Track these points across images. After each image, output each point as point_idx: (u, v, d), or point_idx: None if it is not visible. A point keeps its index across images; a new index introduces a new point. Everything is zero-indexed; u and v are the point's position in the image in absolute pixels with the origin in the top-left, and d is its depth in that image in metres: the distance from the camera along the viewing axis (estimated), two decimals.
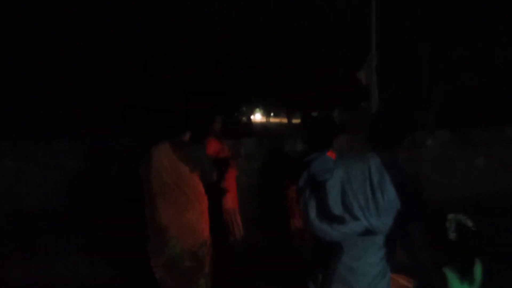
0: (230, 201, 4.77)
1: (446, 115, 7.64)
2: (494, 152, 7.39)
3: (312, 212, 1.90)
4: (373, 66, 3.88)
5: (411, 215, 1.99)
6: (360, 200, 1.84)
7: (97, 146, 6.28)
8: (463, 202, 6.96)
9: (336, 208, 1.86)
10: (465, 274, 1.98)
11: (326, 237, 1.92)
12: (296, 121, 24.27)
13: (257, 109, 32.77)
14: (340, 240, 1.94)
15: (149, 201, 3.34)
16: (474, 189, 7.19)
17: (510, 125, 7.38)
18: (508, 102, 7.82)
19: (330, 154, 2.03)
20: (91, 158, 6.21)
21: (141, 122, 10.17)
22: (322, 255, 2.06)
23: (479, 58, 7.92)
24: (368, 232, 1.87)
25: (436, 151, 7.11)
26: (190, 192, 3.33)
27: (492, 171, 7.36)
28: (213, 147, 4.66)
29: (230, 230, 4.76)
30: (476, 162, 7.33)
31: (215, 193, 4.13)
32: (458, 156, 7.24)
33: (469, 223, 1.97)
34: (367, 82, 3.94)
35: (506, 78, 7.52)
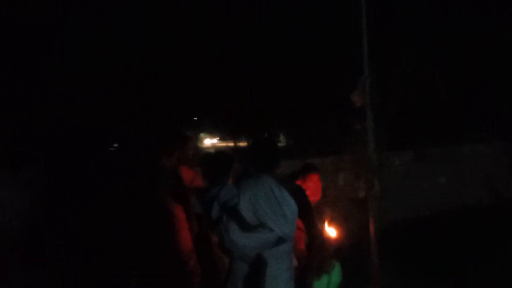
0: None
1: (405, 134, 7.90)
2: (452, 168, 7.71)
3: (234, 233, 2.16)
4: (367, 88, 3.78)
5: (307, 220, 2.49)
6: (270, 214, 2.16)
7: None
8: (426, 219, 7.18)
9: (253, 223, 2.18)
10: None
11: (249, 251, 2.20)
12: (242, 144, 24.14)
13: (202, 134, 32.26)
14: (258, 252, 2.21)
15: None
16: (435, 206, 7.45)
17: (466, 142, 7.78)
18: (463, 119, 8.29)
19: (231, 182, 2.38)
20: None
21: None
22: (240, 268, 2.29)
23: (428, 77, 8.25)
24: (281, 240, 2.19)
25: (401, 169, 7.27)
26: None
27: (452, 187, 7.66)
28: (186, 175, 4.32)
29: None
30: (436, 179, 7.58)
31: None
32: (419, 174, 7.45)
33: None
34: (362, 104, 3.84)
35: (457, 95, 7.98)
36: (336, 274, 3.19)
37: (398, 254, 5.13)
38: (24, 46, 11.34)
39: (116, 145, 17.77)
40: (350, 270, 4.81)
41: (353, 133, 4.93)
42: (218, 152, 3.15)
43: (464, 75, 8.31)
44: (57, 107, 11.73)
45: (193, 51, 13.08)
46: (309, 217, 2.51)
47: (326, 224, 4.39)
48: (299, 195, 2.40)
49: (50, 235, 5.17)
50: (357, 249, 5.23)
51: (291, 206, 2.23)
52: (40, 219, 5.24)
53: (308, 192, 4.79)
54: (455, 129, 8.47)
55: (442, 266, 5.20)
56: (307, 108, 11.77)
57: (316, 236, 2.59)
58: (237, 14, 12.37)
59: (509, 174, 8.29)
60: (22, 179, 5.26)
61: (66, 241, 5.10)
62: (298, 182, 4.78)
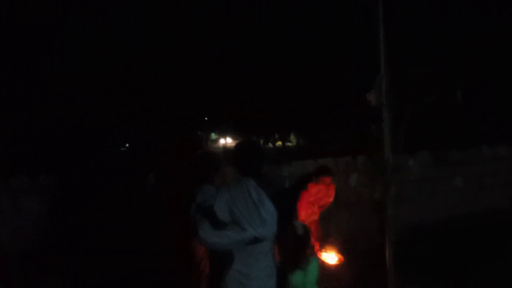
0: None
1: (422, 136, 7.74)
2: (471, 171, 7.51)
3: (204, 231, 2.26)
4: (383, 87, 3.66)
5: (286, 222, 2.57)
6: (246, 215, 2.26)
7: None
8: (445, 222, 7.01)
9: (227, 223, 2.28)
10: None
11: (220, 248, 2.32)
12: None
13: (213, 134, 32.24)
14: (232, 250, 2.32)
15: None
16: (455, 209, 7.26)
17: (485, 144, 7.57)
18: (481, 122, 8.09)
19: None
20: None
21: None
22: (218, 267, 2.42)
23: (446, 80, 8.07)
24: (256, 240, 2.27)
25: (417, 172, 7.10)
26: None
27: (470, 190, 7.46)
28: None
29: None
30: (454, 182, 7.40)
31: None
32: (438, 177, 7.27)
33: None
34: (377, 104, 3.72)
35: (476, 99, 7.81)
36: (312, 270, 3.35)
37: (414, 258, 4.99)
38: (37, 51, 11.45)
39: (127, 145, 17.92)
40: (365, 274, 4.74)
41: (368, 134, 4.81)
42: (205, 153, 3.29)
43: (484, 77, 8.09)
44: (68, 109, 11.80)
45: (206, 51, 13.07)
46: (286, 220, 2.61)
47: (324, 253, 4.37)
48: (280, 200, 2.49)
49: (66, 244, 5.13)
50: (373, 253, 5.12)
51: (268, 209, 2.32)
52: (56, 227, 5.19)
53: (320, 194, 4.71)
54: (473, 131, 8.26)
55: (458, 271, 5.04)
56: (319, 108, 11.65)
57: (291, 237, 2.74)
58: (249, 13, 12.32)
59: None
60: (39, 187, 5.21)
61: (82, 249, 5.03)
62: (311, 184, 4.69)
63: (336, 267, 4.36)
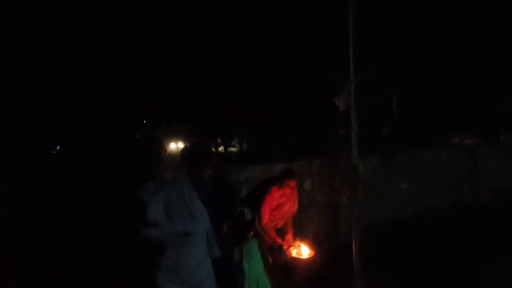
0: None
1: (370, 140, 8.00)
2: (415, 173, 7.91)
3: (143, 222, 2.58)
4: (352, 91, 3.74)
5: (218, 218, 2.95)
6: (178, 211, 2.59)
7: None
8: (393, 223, 7.32)
9: (160, 218, 2.59)
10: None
11: (156, 239, 2.63)
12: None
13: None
14: (166, 241, 2.65)
15: None
16: (401, 209, 7.60)
17: (427, 148, 8.01)
18: (425, 125, 8.54)
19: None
20: None
21: None
22: (158, 254, 2.74)
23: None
24: (186, 233, 2.61)
25: (367, 175, 7.33)
26: None
27: (414, 192, 7.85)
28: None
29: None
30: (400, 184, 7.74)
31: None
32: (384, 179, 7.56)
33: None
34: (346, 108, 3.79)
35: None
36: (256, 257, 3.42)
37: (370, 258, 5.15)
38: None
39: (58, 147, 16.89)
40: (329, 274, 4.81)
41: (330, 139, 4.87)
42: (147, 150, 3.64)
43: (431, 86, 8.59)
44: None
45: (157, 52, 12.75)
46: (228, 213, 3.15)
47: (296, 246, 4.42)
48: (216, 199, 2.94)
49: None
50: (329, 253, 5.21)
51: (198, 207, 2.68)
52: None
53: (284, 199, 4.70)
54: (418, 135, 8.71)
55: (407, 269, 5.26)
56: (271, 112, 11.74)
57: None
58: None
59: (466, 179, 8.67)
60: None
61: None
62: (274, 188, 4.67)
63: (308, 260, 4.39)
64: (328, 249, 5.44)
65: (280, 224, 4.80)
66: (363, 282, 4.10)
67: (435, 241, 6.31)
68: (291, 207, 4.79)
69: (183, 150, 3.28)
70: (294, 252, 4.47)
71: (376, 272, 4.58)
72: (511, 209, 7.77)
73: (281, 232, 4.72)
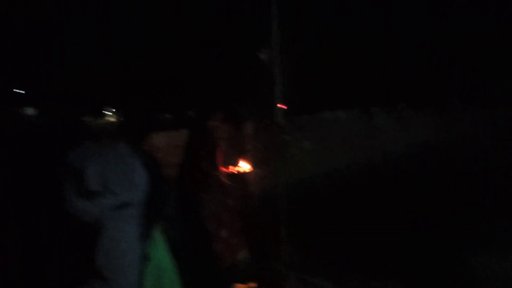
0: None
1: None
2: (318, 134, 7.99)
3: (73, 196, 2.19)
4: (275, 44, 3.38)
5: (158, 189, 2.56)
6: (115, 179, 2.26)
7: None
8: (298, 184, 7.31)
9: (96, 187, 2.22)
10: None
11: (87, 215, 2.24)
12: None
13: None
14: (101, 217, 2.27)
15: None
16: (306, 171, 7.64)
17: (328, 109, 8.11)
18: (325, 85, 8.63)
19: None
20: None
21: None
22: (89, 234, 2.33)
23: None
24: (125, 204, 2.29)
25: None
26: None
27: (317, 153, 7.95)
28: None
29: None
30: (304, 146, 7.74)
31: None
32: (291, 141, 7.49)
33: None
34: (269, 62, 3.42)
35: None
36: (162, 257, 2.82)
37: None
38: None
39: None
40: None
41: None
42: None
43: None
44: None
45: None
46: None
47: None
48: (153, 168, 2.52)
49: None
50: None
51: (140, 174, 2.35)
52: None
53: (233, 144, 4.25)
54: (318, 95, 8.80)
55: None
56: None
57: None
58: None
59: (363, 138, 9.05)
60: None
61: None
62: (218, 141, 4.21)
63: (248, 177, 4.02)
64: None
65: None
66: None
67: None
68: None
69: (124, 115, 2.90)
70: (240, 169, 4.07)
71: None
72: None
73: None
